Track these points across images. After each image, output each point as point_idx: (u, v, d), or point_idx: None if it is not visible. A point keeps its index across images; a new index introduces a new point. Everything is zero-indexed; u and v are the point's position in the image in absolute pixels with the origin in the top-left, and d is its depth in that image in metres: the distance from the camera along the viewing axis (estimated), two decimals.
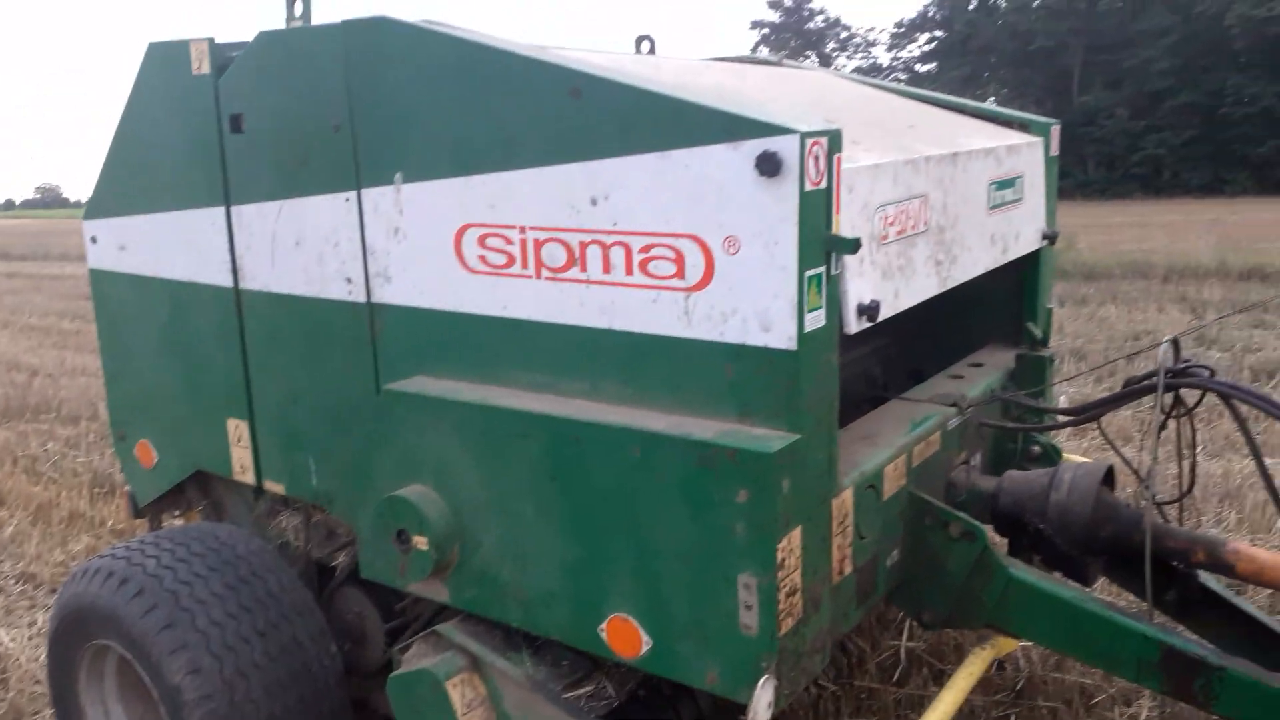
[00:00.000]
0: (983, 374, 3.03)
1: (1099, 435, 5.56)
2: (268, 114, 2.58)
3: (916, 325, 3.45)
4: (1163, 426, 2.38)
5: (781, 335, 1.89)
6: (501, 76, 2.15)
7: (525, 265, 2.20)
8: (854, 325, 2.09)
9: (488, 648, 2.35)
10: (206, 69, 2.68)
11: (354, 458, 2.58)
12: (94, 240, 3.19)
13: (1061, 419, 2.84)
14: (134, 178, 3.00)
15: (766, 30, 56.08)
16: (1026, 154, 3.08)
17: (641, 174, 1.99)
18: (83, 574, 2.77)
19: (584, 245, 2.11)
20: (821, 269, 1.93)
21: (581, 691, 2.28)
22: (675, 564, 2.01)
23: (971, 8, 48.73)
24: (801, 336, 1.88)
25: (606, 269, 2.09)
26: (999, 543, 2.59)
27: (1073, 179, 42.75)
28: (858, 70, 52.96)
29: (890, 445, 2.42)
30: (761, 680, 1.92)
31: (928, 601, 2.48)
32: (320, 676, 2.70)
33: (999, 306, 3.31)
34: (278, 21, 2.59)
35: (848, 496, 2.19)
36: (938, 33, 50.58)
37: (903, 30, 51.86)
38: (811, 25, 55.63)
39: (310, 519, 3.00)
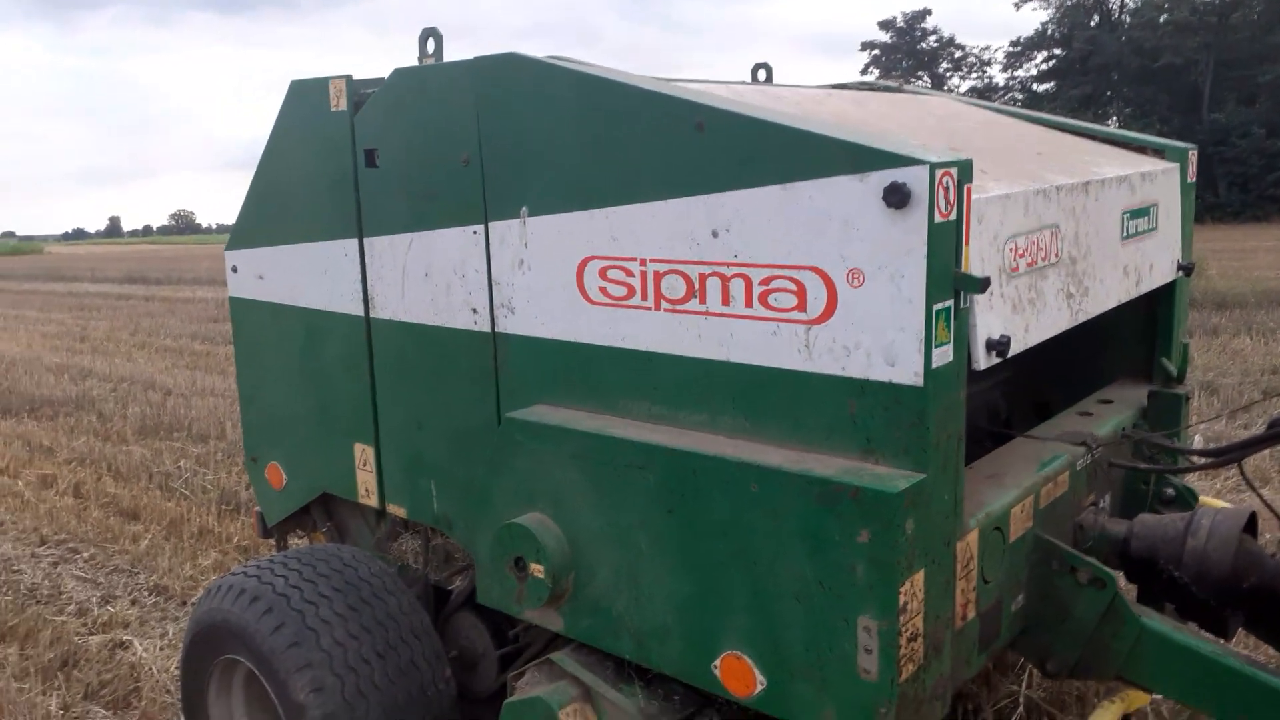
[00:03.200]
0: (1113, 411, 2.90)
1: (1236, 478, 5.27)
2: (401, 149, 2.67)
3: (1042, 358, 3.34)
4: None
5: (907, 371, 1.85)
6: (624, 111, 2.18)
7: (645, 297, 2.21)
8: (983, 361, 2.03)
9: (600, 678, 2.35)
10: (344, 105, 2.79)
11: (474, 484, 2.62)
12: (235, 270, 3.34)
13: (1199, 460, 2.69)
14: (274, 210, 3.14)
15: (877, 51, 55.32)
16: (1162, 181, 2.96)
17: (764, 206, 1.98)
18: (216, 590, 2.88)
19: (704, 277, 2.11)
20: (950, 303, 1.87)
21: None
22: (793, 603, 1.97)
23: (1093, 24, 47.30)
24: (929, 372, 1.84)
25: (726, 301, 2.08)
26: (1127, 589, 2.47)
27: (1202, 201, 40.90)
28: (972, 91, 51.78)
29: (1017, 486, 2.34)
30: None
31: (1053, 649, 2.37)
32: (435, 700, 2.74)
33: (1130, 340, 3.17)
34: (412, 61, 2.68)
35: (973, 539, 2.12)
36: (1056, 51, 49.14)
37: (1019, 49, 50.56)
38: (924, 45, 54.73)
39: (430, 542, 3.07)
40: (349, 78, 2.80)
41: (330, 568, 2.85)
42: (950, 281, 1.87)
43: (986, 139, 2.85)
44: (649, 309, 2.21)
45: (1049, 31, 49.66)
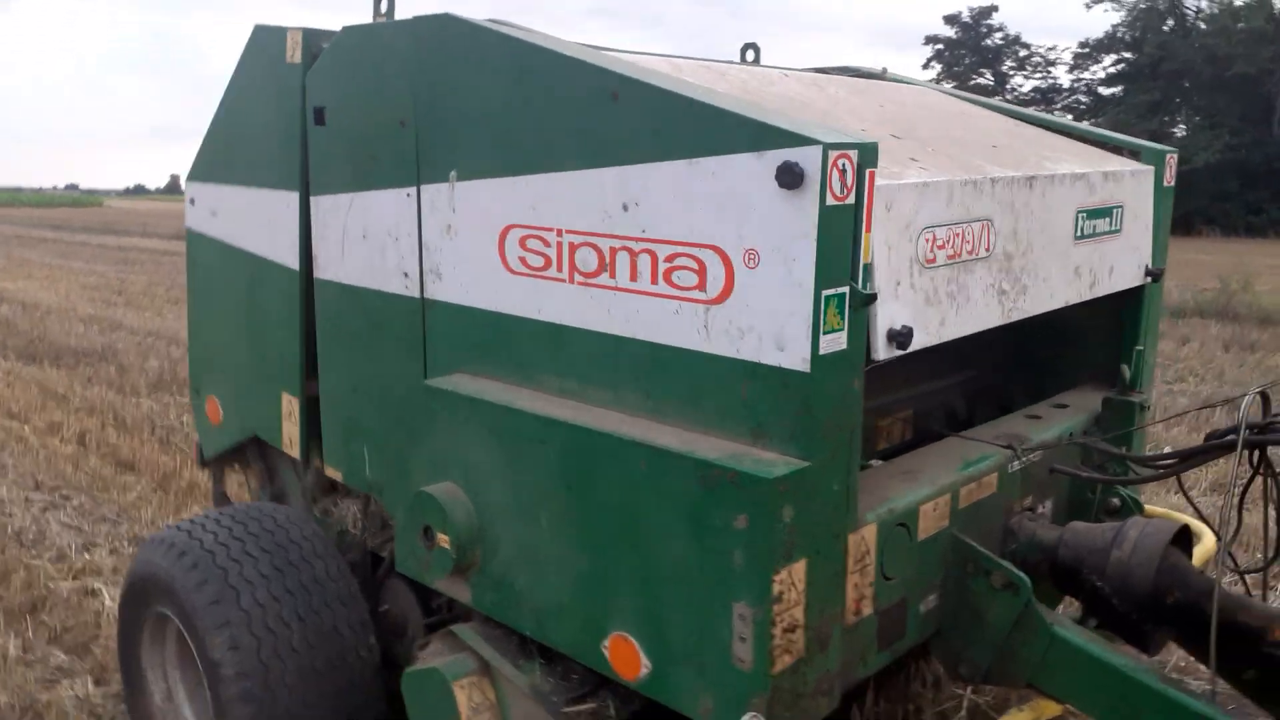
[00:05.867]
0: (1063, 416, 2.81)
1: (1207, 487, 5.12)
2: (347, 108, 2.65)
3: (1006, 359, 3.25)
4: (1246, 487, 2.14)
5: (795, 356, 1.80)
6: (547, 76, 2.14)
7: (560, 269, 2.18)
8: (883, 352, 1.96)
9: (499, 653, 2.34)
10: (298, 59, 2.77)
11: (398, 450, 2.61)
12: (192, 202, 3.38)
13: (1140, 471, 2.60)
14: (229, 149, 3.15)
15: (940, 46, 54.28)
16: (1130, 183, 2.85)
17: (670, 181, 1.94)
18: (151, 543, 2.91)
19: (614, 251, 2.07)
20: (844, 289, 1.82)
21: (583, 708, 2.23)
22: (675, 587, 1.94)
23: (1166, 28, 45.98)
24: (816, 358, 1.78)
25: (633, 276, 2.04)
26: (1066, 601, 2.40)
27: (1266, 215, 39.74)
28: (1035, 91, 50.70)
29: (931, 483, 2.27)
30: (747, 717, 1.82)
31: (966, 654, 2.31)
32: (356, 666, 2.74)
33: (1095, 345, 3.07)
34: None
35: (870, 533, 2.06)
36: (1125, 54, 47.86)
37: (1087, 50, 49.31)
38: (988, 42, 53.60)
39: (368, 508, 3.07)
40: (306, 30, 2.77)
41: (262, 528, 2.86)
42: (845, 268, 1.82)
43: (940, 129, 2.76)
44: (563, 281, 2.18)
45: (1119, 34, 48.42)
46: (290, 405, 3.00)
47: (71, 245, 26.73)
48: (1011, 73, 53.82)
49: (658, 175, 1.96)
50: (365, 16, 2.67)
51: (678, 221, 1.94)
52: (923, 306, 2.08)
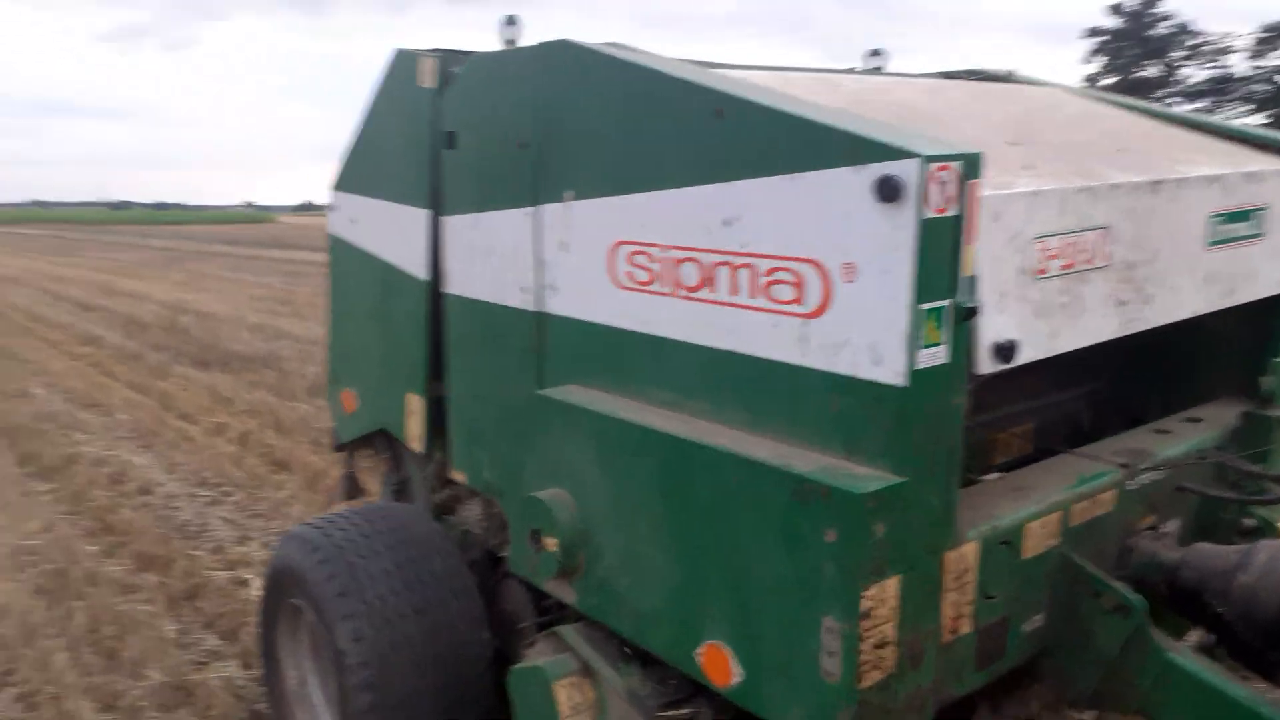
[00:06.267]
0: (1194, 431, 2.67)
1: None
2: (475, 132, 2.77)
3: (1138, 370, 3.11)
4: None
5: (891, 370, 1.78)
6: (654, 96, 2.19)
7: (665, 283, 2.23)
8: (986, 366, 1.92)
9: (600, 655, 2.40)
10: (432, 83, 2.92)
11: (513, 456, 2.71)
12: (335, 209, 3.61)
13: (1275, 489, 2.44)
14: (367, 163, 3.35)
15: (1106, 37, 51.58)
16: (1276, 183, 2.68)
17: (771, 196, 1.96)
18: (289, 538, 3.11)
19: (715, 266, 2.10)
20: (945, 302, 1.79)
21: (678, 713, 2.25)
22: (767, 598, 1.95)
23: None
24: (914, 373, 1.76)
25: (734, 291, 2.07)
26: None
27: None
28: (1209, 82, 47.65)
29: (1040, 501, 2.20)
30: None
31: (1073, 676, 2.22)
32: (468, 660, 2.85)
33: (1236, 356, 2.89)
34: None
35: (970, 550, 2.01)
36: None
37: (1271, 34, 45.90)
38: (1153, 32, 50.68)
39: (489, 509, 3.19)
40: (440, 55, 2.91)
41: (387, 525, 3.02)
42: (946, 281, 1.79)
43: (1064, 134, 2.67)
44: (668, 295, 2.22)
45: None
46: (415, 404, 3.17)
47: (245, 259, 28.60)
48: (1181, 64, 50.75)
49: (758, 191, 1.97)
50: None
51: (777, 236, 1.96)
52: (1031, 319, 2.02)
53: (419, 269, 3.06)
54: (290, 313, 14.97)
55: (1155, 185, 2.31)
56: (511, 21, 2.76)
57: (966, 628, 2.05)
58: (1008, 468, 2.72)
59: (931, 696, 1.97)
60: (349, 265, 3.54)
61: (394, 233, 3.19)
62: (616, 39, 2.61)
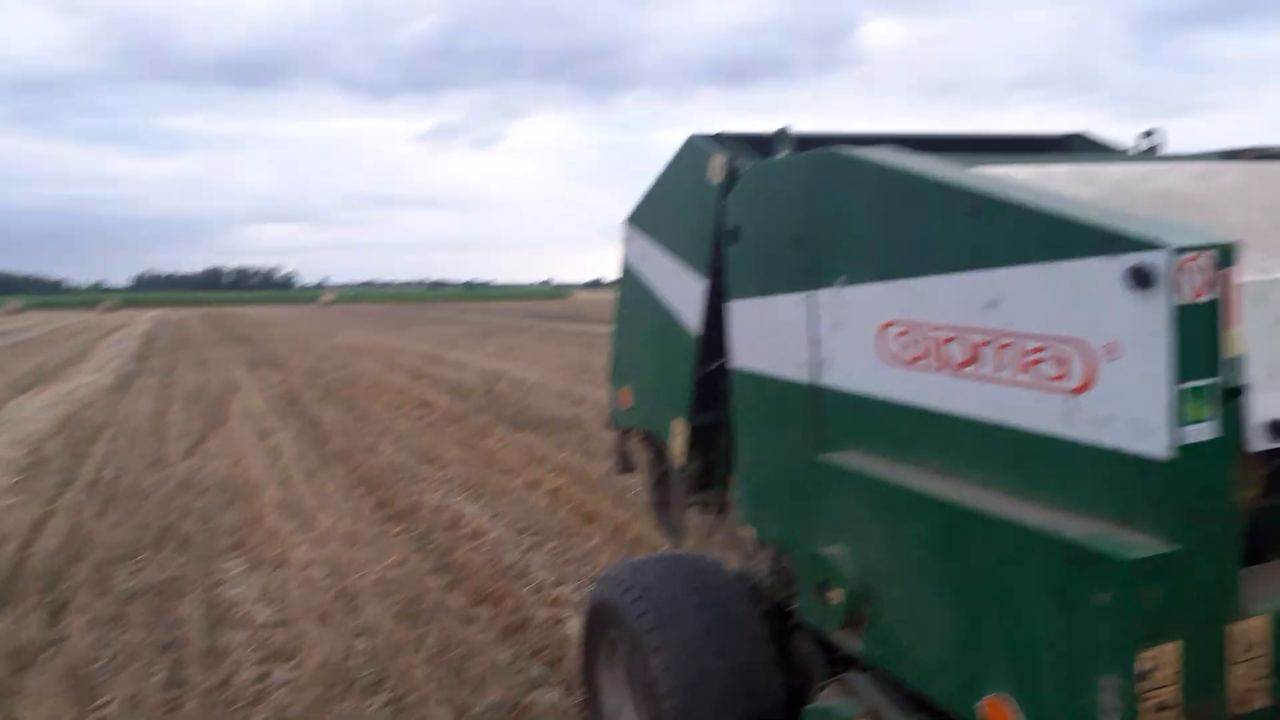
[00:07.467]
0: None
1: None
2: (754, 227, 3.17)
3: None
4: None
5: (1156, 444, 1.90)
6: (914, 195, 2.47)
7: (932, 360, 2.47)
8: (1262, 443, 2.01)
9: (888, 701, 2.62)
10: (718, 179, 3.38)
11: (798, 515, 3.01)
12: (629, 240, 4.19)
13: None
14: (658, 215, 3.92)
15: None
16: None
17: (1029, 282, 2.15)
18: (606, 579, 3.59)
19: (980, 344, 2.32)
20: (1208, 381, 1.92)
21: None
22: (1047, 655, 2.08)
23: None
24: (1181, 448, 1.88)
25: (998, 367, 2.27)
26: None
27: None
28: None
29: None
30: None
31: None
32: (763, 699, 3.16)
33: None
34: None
35: (1258, 625, 2.06)
36: None
37: None
38: None
39: (777, 564, 3.50)
40: (729, 156, 3.35)
41: (690, 571, 3.42)
42: (1207, 360, 1.91)
43: None
44: (935, 370, 2.46)
45: None
46: (679, 428, 3.76)
47: (548, 331, 31.12)
48: None
49: (1017, 277, 2.17)
50: (800, 121, 3.20)
51: (1038, 317, 2.14)
52: None
53: (692, 324, 3.59)
54: (588, 380, 16.11)
55: None
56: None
57: (1262, 700, 2.07)
58: None
59: None
60: (635, 291, 4.11)
61: (675, 285, 3.73)
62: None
